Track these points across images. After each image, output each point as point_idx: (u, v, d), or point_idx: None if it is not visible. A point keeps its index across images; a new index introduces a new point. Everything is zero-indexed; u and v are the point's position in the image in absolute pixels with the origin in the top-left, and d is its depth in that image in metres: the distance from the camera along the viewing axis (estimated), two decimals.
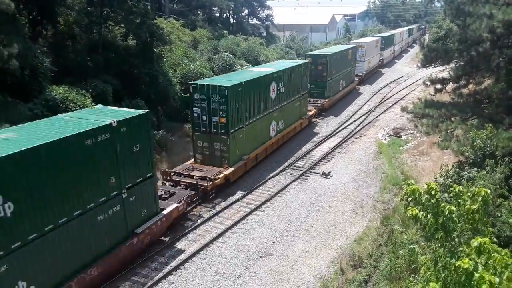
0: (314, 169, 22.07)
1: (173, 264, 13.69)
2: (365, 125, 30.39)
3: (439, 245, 6.66)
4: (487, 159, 11.67)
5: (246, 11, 67.55)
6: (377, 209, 17.49)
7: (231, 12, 64.25)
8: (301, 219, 16.93)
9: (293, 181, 20.50)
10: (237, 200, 18.34)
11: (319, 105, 32.12)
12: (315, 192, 19.36)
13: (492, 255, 5.65)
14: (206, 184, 17.57)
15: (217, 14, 61.66)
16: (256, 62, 38.92)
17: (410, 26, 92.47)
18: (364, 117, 32.52)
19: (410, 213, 6.56)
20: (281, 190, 19.47)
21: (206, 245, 14.82)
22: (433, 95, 17.80)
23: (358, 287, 12.18)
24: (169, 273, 13.23)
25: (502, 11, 12.68)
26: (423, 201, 6.56)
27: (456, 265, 5.52)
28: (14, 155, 9.06)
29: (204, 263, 13.88)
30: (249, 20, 69.77)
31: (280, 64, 27.40)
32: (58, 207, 10.35)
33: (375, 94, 41.21)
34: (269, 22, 70.11)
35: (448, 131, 15.46)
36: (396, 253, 12.37)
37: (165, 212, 14.76)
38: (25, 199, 9.46)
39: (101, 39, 25.41)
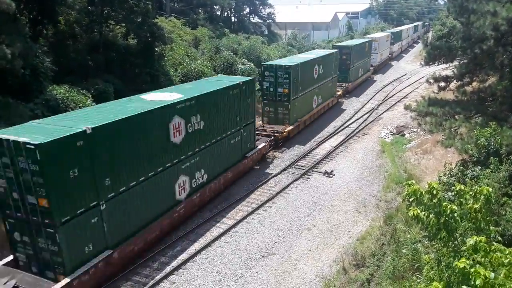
0: (316, 168, 21.96)
1: (175, 264, 13.62)
2: (368, 124, 30.24)
3: (442, 244, 6.59)
4: (491, 157, 11.55)
5: (247, 10, 67.33)
6: (380, 208, 17.37)
7: (232, 11, 64.07)
8: (303, 218, 16.83)
9: (295, 180, 20.39)
10: (239, 199, 18.26)
11: (344, 87, 38.71)
12: (318, 191, 19.25)
13: (489, 253, 5.63)
14: (278, 135, 24.47)
15: (219, 13, 61.51)
16: (258, 61, 38.75)
17: (416, 23, 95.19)
18: (367, 115, 32.39)
19: (412, 213, 6.49)
20: (283, 189, 19.38)
21: (208, 244, 14.75)
22: (437, 93, 17.69)
23: (361, 286, 12.08)
24: (171, 273, 13.17)
25: (506, 8, 12.55)
26: (425, 201, 6.49)
27: (454, 265, 5.51)
28: (204, 95, 16.27)
29: (205, 262, 13.81)
30: (251, 18, 69.56)
31: (318, 52, 34.29)
32: (221, 129, 17.89)
33: (377, 93, 41.05)
34: (270, 20, 69.85)
35: (452, 129, 15.35)
36: (399, 252, 12.25)
37: (259, 147, 22.17)
38: (208, 121, 16.67)
39: (102, 39, 25.37)
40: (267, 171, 21.75)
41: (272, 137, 24.25)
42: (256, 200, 18.22)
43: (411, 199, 6.66)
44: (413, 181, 6.95)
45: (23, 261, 11.58)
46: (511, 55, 14.87)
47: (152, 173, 13.75)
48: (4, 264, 11.59)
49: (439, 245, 6.73)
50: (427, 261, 7.47)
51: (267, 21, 69.85)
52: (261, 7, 68.33)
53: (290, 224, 16.39)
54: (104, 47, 25.26)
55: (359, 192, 19.19)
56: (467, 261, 5.39)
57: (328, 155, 23.83)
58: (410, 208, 6.63)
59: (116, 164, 12.05)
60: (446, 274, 6.66)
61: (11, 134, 10.31)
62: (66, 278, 10.87)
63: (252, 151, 21.22)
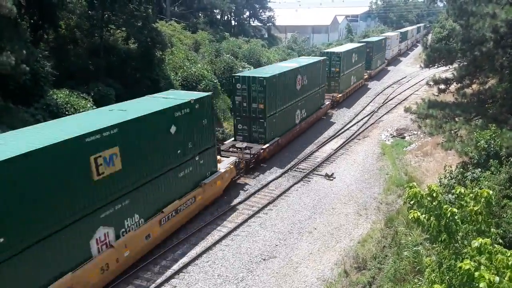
0: (317, 171, 21.96)
1: (176, 267, 13.61)
2: (368, 126, 30.26)
3: (443, 247, 6.59)
4: (491, 160, 11.55)
5: (247, 13, 67.59)
6: (381, 211, 17.36)
7: (232, 14, 64.27)
8: (304, 221, 16.83)
9: (296, 183, 20.39)
10: (240, 202, 18.27)
11: (367, 73, 47.92)
12: (318, 194, 19.25)
13: (494, 256, 5.61)
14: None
15: (219, 17, 61.70)
16: (258, 64, 38.88)
17: (419, 25, 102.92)
18: (367, 117, 32.41)
19: (412, 216, 6.49)
20: (284, 192, 19.37)
21: (209, 248, 14.75)
22: (437, 95, 17.70)
23: None
24: (172, 276, 13.15)
25: (505, 10, 12.58)
26: (425, 203, 6.50)
27: (458, 266, 5.49)
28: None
29: (206, 266, 13.80)
30: (251, 22, 69.82)
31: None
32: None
33: (377, 95, 41.10)
34: (270, 23, 70.12)
35: (452, 132, 15.37)
36: (400, 255, 12.25)
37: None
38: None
39: (102, 43, 25.44)
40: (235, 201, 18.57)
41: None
42: (257, 203, 18.21)
43: (411, 202, 6.68)
44: (414, 183, 6.96)
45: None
46: (511, 57, 14.90)
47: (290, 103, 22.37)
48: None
49: (440, 247, 6.74)
50: (428, 263, 7.47)
51: (267, 24, 70.12)
52: (261, 10, 68.60)
53: (291, 227, 16.38)
54: (104, 51, 25.33)
55: (360, 194, 19.18)
56: (472, 263, 5.37)
57: (328, 157, 23.83)
58: (410, 211, 6.64)
59: (281, 95, 23.58)
60: (448, 277, 6.67)
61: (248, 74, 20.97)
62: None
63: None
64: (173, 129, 14.48)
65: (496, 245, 6.18)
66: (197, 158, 16.20)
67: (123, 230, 12.75)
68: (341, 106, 36.76)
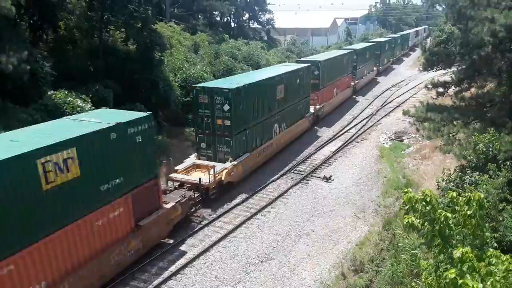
0: (315, 173, 21.96)
1: (173, 268, 13.58)
2: (367, 129, 30.29)
3: (438, 251, 6.60)
4: (490, 163, 11.57)
5: (247, 15, 67.56)
6: (378, 214, 17.37)
7: (232, 16, 64.29)
8: (302, 223, 16.82)
9: (294, 185, 20.39)
10: (238, 204, 18.24)
11: (376, 69, 52.74)
12: (316, 196, 19.25)
13: (477, 263, 5.71)
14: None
15: (218, 19, 61.70)
16: (257, 66, 38.91)
17: (422, 27, 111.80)
18: (365, 120, 32.45)
19: (406, 221, 6.52)
20: (282, 194, 19.36)
21: (206, 249, 14.72)
22: (435, 98, 17.75)
23: None
24: (169, 278, 13.13)
25: (504, 15, 12.61)
26: (420, 208, 6.52)
27: (445, 275, 5.57)
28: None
29: (204, 267, 13.77)
30: (250, 24, 69.78)
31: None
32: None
33: (375, 99, 41.13)
34: (270, 26, 70.11)
35: (450, 135, 15.38)
36: (398, 258, 12.23)
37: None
38: None
39: (101, 44, 25.42)
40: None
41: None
42: (255, 205, 18.20)
43: (406, 207, 6.70)
44: (410, 189, 6.98)
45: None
46: (509, 61, 14.93)
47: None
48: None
49: (435, 252, 6.76)
50: (425, 267, 7.47)
51: (266, 26, 70.11)
52: (260, 13, 68.59)
53: (289, 229, 16.37)
54: (103, 52, 25.30)
55: (358, 197, 19.19)
56: (457, 271, 5.49)
57: (327, 160, 23.83)
58: (405, 216, 6.67)
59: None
60: (444, 281, 6.69)
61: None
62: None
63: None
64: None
65: (490, 249, 6.22)
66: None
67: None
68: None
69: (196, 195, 16.88)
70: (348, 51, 41.04)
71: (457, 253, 5.78)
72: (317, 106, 31.05)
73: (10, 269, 9.19)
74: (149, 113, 13.63)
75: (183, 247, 14.94)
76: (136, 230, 13.26)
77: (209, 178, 17.68)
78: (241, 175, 20.15)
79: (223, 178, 18.39)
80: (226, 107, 18.95)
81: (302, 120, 28.12)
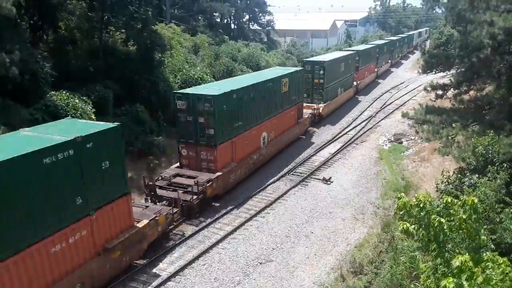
0: (314, 175, 21.98)
1: (172, 270, 13.57)
2: (366, 131, 30.33)
3: (435, 256, 6.63)
4: (489, 166, 11.60)
5: (247, 17, 67.69)
6: (378, 216, 17.40)
7: (232, 18, 64.38)
8: (301, 225, 16.84)
9: (293, 187, 20.40)
10: (237, 205, 18.26)
11: (390, 61, 64.15)
12: (316, 198, 19.27)
13: (476, 274, 5.69)
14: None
15: (218, 20, 61.78)
16: (257, 68, 38.96)
17: (424, 29, 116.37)
18: (365, 122, 32.50)
19: (402, 227, 6.54)
20: (281, 196, 19.38)
21: (206, 251, 14.72)
22: (434, 101, 17.78)
23: None
24: (168, 279, 13.12)
25: (503, 18, 12.65)
26: (414, 214, 6.54)
27: (442, 285, 5.55)
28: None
29: (203, 269, 13.78)
30: (250, 25, 69.91)
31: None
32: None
33: (375, 101, 41.22)
34: (270, 27, 70.26)
35: (449, 137, 15.42)
36: (397, 260, 12.26)
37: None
38: None
39: (102, 45, 25.48)
40: None
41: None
42: (254, 207, 18.21)
43: (401, 212, 6.72)
44: (403, 194, 7.00)
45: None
46: (508, 63, 15.00)
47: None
48: None
49: (432, 256, 6.78)
50: (424, 269, 7.50)
51: (266, 28, 70.25)
52: (260, 14, 68.72)
53: (288, 230, 16.38)
54: (104, 53, 25.36)
55: (357, 199, 19.22)
56: (455, 281, 5.47)
57: (326, 162, 23.86)
58: (400, 222, 6.69)
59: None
60: (442, 284, 6.71)
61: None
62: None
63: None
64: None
65: (487, 253, 6.24)
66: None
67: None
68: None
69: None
70: (374, 45, 53.89)
71: (456, 262, 5.74)
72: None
73: None
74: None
75: (182, 249, 14.90)
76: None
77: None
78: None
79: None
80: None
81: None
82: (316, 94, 32.50)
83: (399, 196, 6.91)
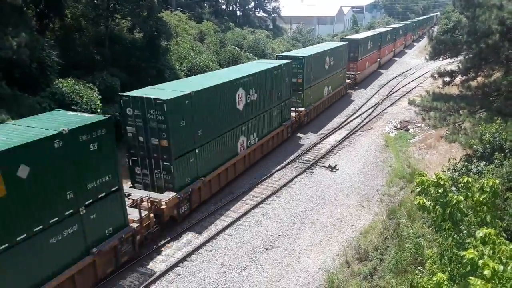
0: (320, 163, 22.02)
1: (179, 255, 13.77)
2: (372, 118, 30.21)
3: (447, 235, 6.63)
4: (496, 153, 11.56)
5: (252, 3, 67.21)
6: (383, 203, 17.44)
7: (237, 5, 63.93)
8: (307, 212, 16.94)
9: (299, 174, 20.47)
10: (243, 193, 18.38)
11: (404, 43, 66.57)
12: (321, 185, 19.33)
13: (498, 246, 5.63)
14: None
15: (224, 7, 61.38)
16: (262, 55, 38.82)
17: (434, 13, 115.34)
18: (371, 109, 32.36)
19: (418, 202, 6.51)
20: (287, 183, 19.47)
21: (212, 237, 14.90)
22: (441, 87, 17.65)
23: (364, 279, 12.19)
24: (176, 264, 13.32)
25: None
26: (432, 191, 6.53)
27: (462, 255, 5.52)
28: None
29: (210, 255, 13.96)
30: (256, 12, 69.43)
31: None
32: None
33: (382, 87, 40.94)
34: (276, 14, 69.77)
35: (456, 124, 15.35)
36: (402, 246, 12.35)
37: None
38: None
39: (108, 32, 25.46)
40: None
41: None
42: (260, 194, 18.33)
43: (418, 189, 6.71)
44: (425, 172, 6.98)
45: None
46: None
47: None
48: None
49: (443, 237, 6.78)
50: (429, 255, 7.55)
51: (272, 15, 69.75)
52: (266, 1, 68.24)
53: (294, 217, 16.50)
54: (110, 41, 25.37)
55: (363, 186, 19.25)
56: (476, 252, 5.41)
57: (332, 149, 23.87)
58: (416, 197, 6.67)
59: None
60: (449, 268, 6.74)
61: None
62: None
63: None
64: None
65: (498, 236, 6.23)
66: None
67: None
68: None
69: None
70: (402, 25, 65.51)
71: (479, 233, 5.67)
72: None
73: None
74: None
75: (189, 235, 15.06)
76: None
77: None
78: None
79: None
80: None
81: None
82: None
83: (421, 173, 6.89)
